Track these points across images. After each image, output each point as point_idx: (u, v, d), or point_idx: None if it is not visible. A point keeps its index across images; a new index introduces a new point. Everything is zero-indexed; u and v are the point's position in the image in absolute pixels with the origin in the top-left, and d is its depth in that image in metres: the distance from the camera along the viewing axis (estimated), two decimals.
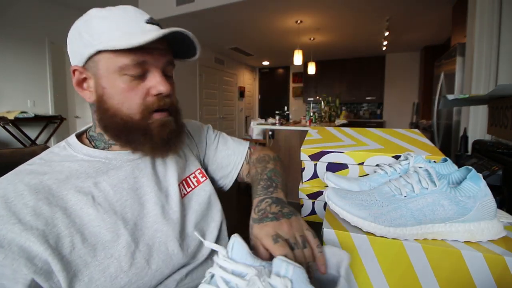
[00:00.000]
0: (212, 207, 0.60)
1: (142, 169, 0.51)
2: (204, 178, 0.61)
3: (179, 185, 0.55)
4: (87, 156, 0.48)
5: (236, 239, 0.32)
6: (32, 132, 3.68)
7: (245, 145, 0.73)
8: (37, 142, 3.77)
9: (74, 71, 0.47)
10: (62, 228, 0.39)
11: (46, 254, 0.37)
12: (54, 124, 3.89)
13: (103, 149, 0.51)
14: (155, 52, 0.46)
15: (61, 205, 0.41)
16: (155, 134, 0.48)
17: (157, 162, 0.55)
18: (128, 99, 0.46)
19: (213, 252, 0.59)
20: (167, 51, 0.48)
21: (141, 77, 0.46)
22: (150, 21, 0.46)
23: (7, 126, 3.35)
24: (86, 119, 5.07)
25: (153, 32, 0.42)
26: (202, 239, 0.36)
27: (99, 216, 0.43)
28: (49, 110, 3.99)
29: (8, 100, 3.51)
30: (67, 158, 0.47)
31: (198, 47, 0.50)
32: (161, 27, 0.47)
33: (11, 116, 3.24)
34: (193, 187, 0.58)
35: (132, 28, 0.44)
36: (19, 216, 0.37)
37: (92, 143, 0.52)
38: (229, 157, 0.69)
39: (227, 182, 0.70)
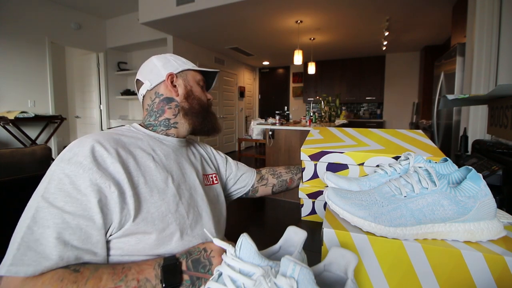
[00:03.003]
0: (222, 205, 0.78)
1: (181, 152, 0.72)
2: (217, 182, 0.80)
3: (203, 175, 0.75)
4: (146, 134, 0.68)
5: (244, 238, 0.32)
6: (32, 132, 3.68)
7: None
8: (37, 142, 3.77)
9: (169, 75, 0.71)
10: (132, 169, 0.56)
11: (124, 182, 0.52)
12: (54, 124, 3.89)
13: (159, 132, 0.71)
14: (208, 72, 0.81)
15: (132, 155, 0.58)
16: (214, 119, 0.79)
17: (189, 152, 0.76)
18: (202, 95, 0.76)
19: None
20: None
21: (203, 88, 0.78)
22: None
23: (7, 126, 3.35)
24: (86, 119, 5.08)
25: (210, 69, 0.79)
26: (211, 237, 0.38)
27: (156, 169, 0.60)
28: (49, 110, 3.99)
29: (8, 100, 3.51)
30: (132, 132, 0.66)
31: (215, 81, 0.85)
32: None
33: (11, 116, 3.24)
34: (211, 183, 0.77)
35: (196, 64, 0.79)
36: (110, 153, 0.54)
37: (149, 128, 0.71)
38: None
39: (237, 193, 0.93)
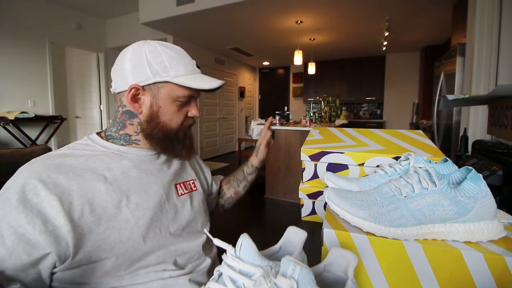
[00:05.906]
0: (202, 214, 0.69)
1: (147, 165, 0.62)
2: (195, 188, 0.71)
3: (175, 185, 0.66)
4: (103, 147, 0.59)
5: (244, 238, 0.33)
6: (32, 132, 3.68)
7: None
8: (38, 142, 3.77)
9: (132, 88, 0.58)
10: (75, 197, 0.49)
11: (59, 216, 0.46)
12: (54, 124, 3.89)
13: (119, 144, 0.62)
14: (200, 90, 0.62)
15: (78, 180, 0.51)
16: (186, 144, 0.65)
17: (159, 161, 0.65)
18: (175, 117, 0.62)
19: (205, 247, 0.65)
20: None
21: (186, 104, 0.63)
22: (197, 66, 0.65)
23: (7, 126, 3.35)
24: (86, 120, 5.08)
25: (214, 82, 0.62)
26: (211, 237, 0.37)
27: (107, 193, 0.52)
28: (49, 110, 3.98)
29: (8, 100, 3.51)
30: (86, 148, 0.58)
31: (222, 87, 0.67)
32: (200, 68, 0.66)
33: (11, 116, 3.24)
34: (189, 190, 0.68)
35: (191, 70, 0.62)
36: (45, 185, 0.47)
37: (109, 140, 0.62)
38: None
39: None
